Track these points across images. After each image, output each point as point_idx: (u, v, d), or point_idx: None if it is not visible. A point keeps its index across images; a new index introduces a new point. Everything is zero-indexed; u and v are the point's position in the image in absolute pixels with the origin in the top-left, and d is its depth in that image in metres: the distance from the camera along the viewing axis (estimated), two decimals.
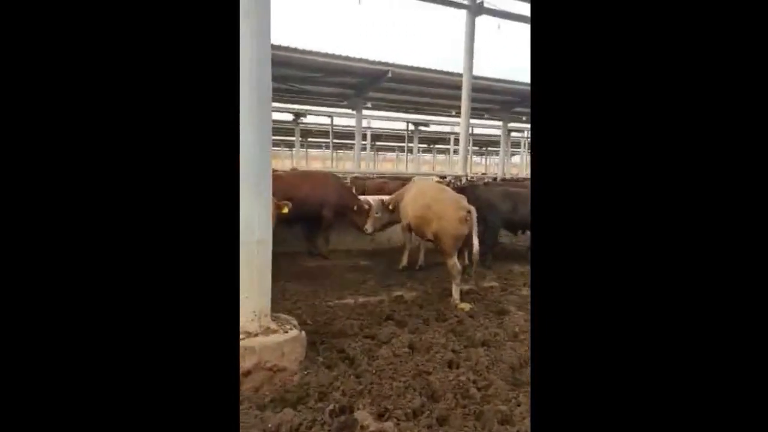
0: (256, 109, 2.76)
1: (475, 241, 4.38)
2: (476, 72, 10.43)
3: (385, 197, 6.17)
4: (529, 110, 17.43)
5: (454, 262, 4.43)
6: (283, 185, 5.25)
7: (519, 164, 31.47)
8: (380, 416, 2.44)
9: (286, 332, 2.95)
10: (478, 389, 2.78)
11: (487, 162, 39.34)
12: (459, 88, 10.07)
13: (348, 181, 8.49)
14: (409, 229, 5.45)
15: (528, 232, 6.75)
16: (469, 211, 4.39)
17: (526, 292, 5.05)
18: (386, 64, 11.67)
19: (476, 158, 38.58)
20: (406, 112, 18.78)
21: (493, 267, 6.15)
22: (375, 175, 11.61)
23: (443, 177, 9.99)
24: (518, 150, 30.51)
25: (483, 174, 22.57)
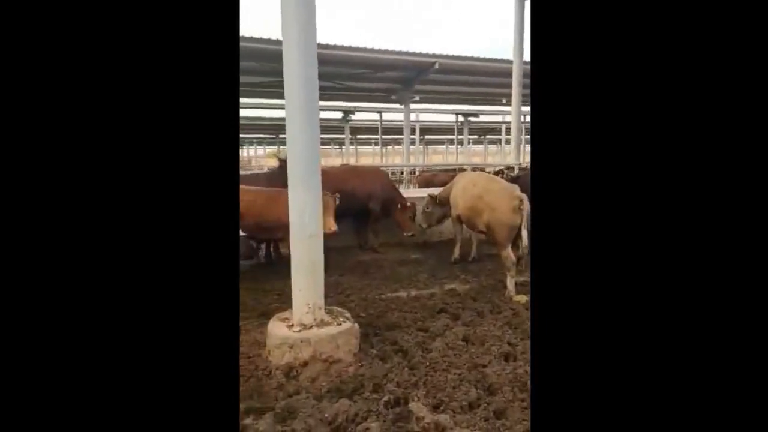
0: (305, 107, 2.81)
1: (524, 233, 4.23)
2: (527, 57, 10.07)
3: (435, 191, 6.12)
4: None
5: (508, 253, 4.31)
6: (331, 179, 5.33)
7: None
8: (435, 408, 2.42)
9: (340, 324, 3.00)
10: None
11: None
12: (509, 75, 9.76)
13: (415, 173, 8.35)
14: (459, 221, 5.37)
15: None
16: (521, 200, 4.25)
17: None
18: (433, 55, 11.51)
19: (528, 147, 37.23)
20: (456, 103, 18.47)
21: None
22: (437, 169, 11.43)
23: (497, 169, 9.75)
24: None
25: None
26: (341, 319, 3.08)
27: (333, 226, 4.43)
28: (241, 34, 7.83)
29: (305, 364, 2.76)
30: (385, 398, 2.45)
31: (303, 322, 2.92)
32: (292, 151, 2.86)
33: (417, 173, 12.46)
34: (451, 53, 11.79)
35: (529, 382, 2.66)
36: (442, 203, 5.77)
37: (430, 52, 11.55)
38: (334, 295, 4.26)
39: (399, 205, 6.21)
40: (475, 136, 29.73)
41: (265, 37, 9.26)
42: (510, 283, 4.34)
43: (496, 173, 6.73)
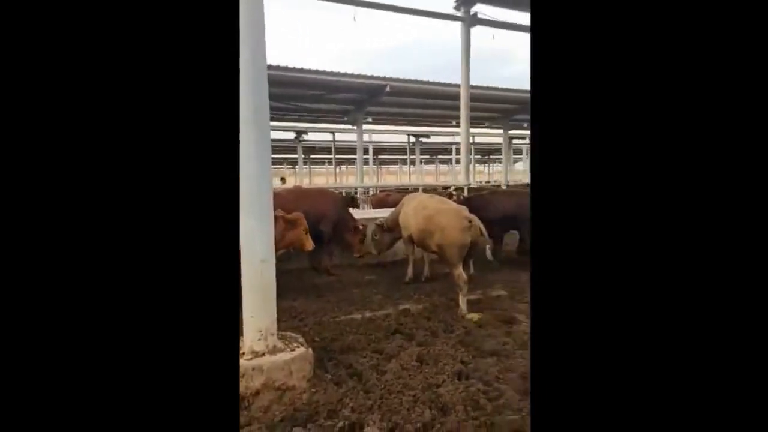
0: (255, 127, 2.79)
1: (488, 251, 4.38)
2: (474, 81, 10.50)
3: (381, 218, 6.18)
4: (528, 117, 17.31)
5: (459, 272, 4.42)
6: (282, 202, 5.28)
7: (523, 171, 31.41)
8: (390, 431, 2.42)
9: (293, 350, 2.94)
10: (489, 400, 2.75)
11: (491, 170, 39.32)
12: (457, 98, 10.12)
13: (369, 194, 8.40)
14: (411, 241, 5.45)
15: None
16: (471, 221, 4.40)
17: None
18: (384, 78, 11.77)
19: (479, 167, 38.59)
20: (407, 124, 18.88)
21: (501, 275, 6.12)
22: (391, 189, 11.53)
23: (446, 188, 10.00)
24: (521, 157, 30.50)
25: (487, 182, 22.55)
26: (294, 345, 3.03)
27: (310, 245, 4.46)
28: None
29: (257, 393, 2.68)
30: (340, 424, 2.42)
31: (255, 349, 2.84)
32: (242, 172, 2.82)
33: (371, 193, 12.55)
34: (401, 76, 12.06)
35: (482, 399, 2.72)
36: (390, 229, 5.84)
37: (382, 75, 11.80)
38: (288, 319, 4.18)
39: (350, 227, 6.23)
40: (427, 156, 30.44)
41: None
42: (462, 301, 4.44)
43: (449, 196, 6.92)
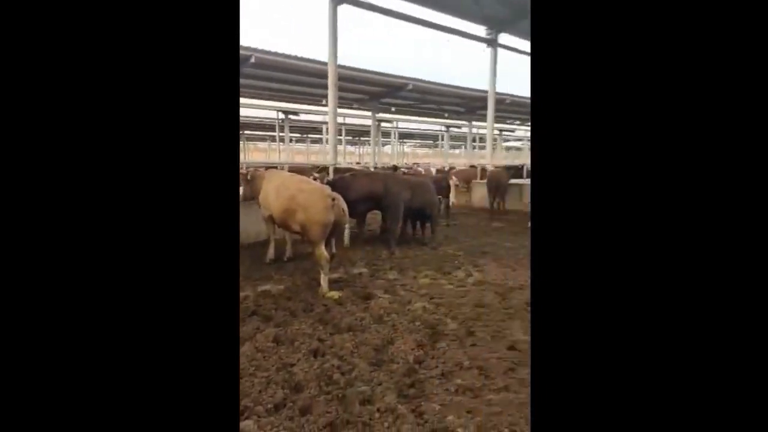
0: None
1: (346, 231, 4.44)
2: (343, 62, 10.50)
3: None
4: (396, 101, 17.87)
5: (321, 251, 4.43)
6: None
7: (391, 153, 32.68)
8: (240, 415, 2.34)
9: None
10: (342, 374, 2.83)
11: (361, 152, 40.15)
12: (326, 76, 10.03)
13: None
14: (272, 221, 5.31)
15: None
16: (334, 199, 4.42)
17: (393, 275, 5.28)
18: (249, 48, 11.10)
19: (350, 148, 39.13)
20: (275, 100, 18.17)
21: (363, 253, 6.32)
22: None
23: (315, 168, 9.93)
24: (389, 140, 31.66)
25: (358, 164, 22.98)
26: None
27: None
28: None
29: None
30: None
31: None
32: None
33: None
34: (268, 49, 11.51)
35: (336, 374, 2.79)
36: (249, 180, 5.66)
37: (247, 45, 11.11)
38: None
39: None
40: (298, 135, 29.81)
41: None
42: (323, 280, 4.48)
43: (310, 177, 6.88)
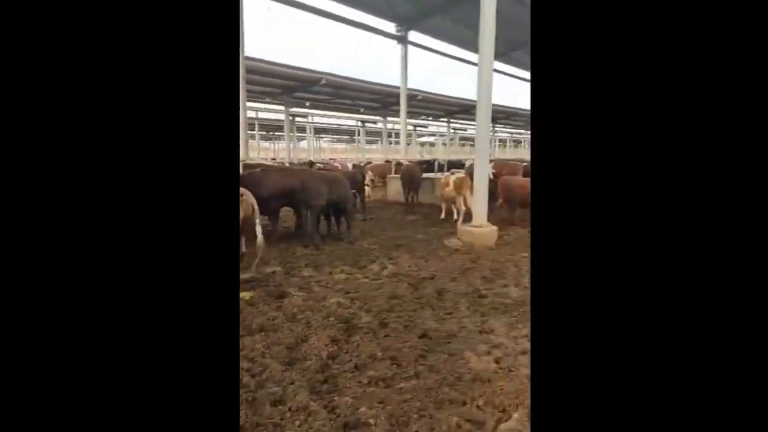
0: None
1: (258, 228, 4.29)
2: (250, 53, 10.12)
3: None
4: (310, 96, 17.61)
5: None
6: None
7: (307, 149, 32.19)
8: None
9: None
10: (252, 376, 2.74)
11: (276, 147, 39.13)
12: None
13: None
14: None
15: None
16: (242, 195, 4.26)
17: (308, 272, 5.22)
18: None
19: (265, 143, 37.95)
20: None
21: (277, 251, 6.17)
22: None
23: None
24: (305, 135, 31.16)
25: (273, 159, 22.35)
26: None
27: None
28: None
29: None
30: None
31: None
32: None
33: None
34: None
35: (246, 377, 2.69)
36: None
37: None
38: None
39: None
40: None
41: None
42: None
43: None
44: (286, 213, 8.11)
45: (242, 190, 4.40)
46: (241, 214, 4.29)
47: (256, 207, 4.43)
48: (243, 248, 4.55)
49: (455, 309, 4.04)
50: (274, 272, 5.19)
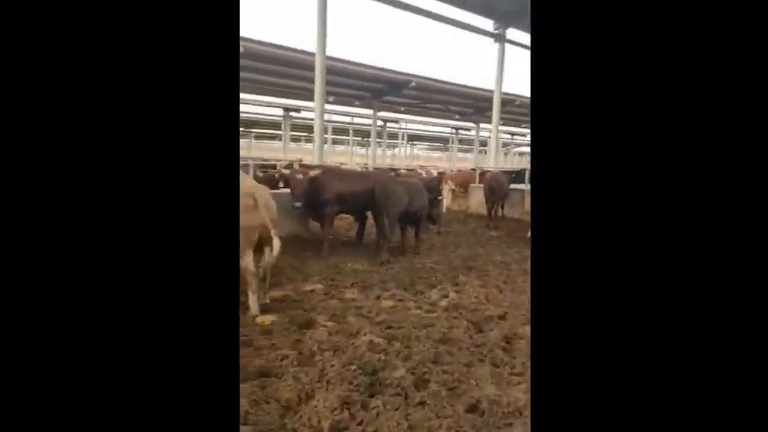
0: None
1: (275, 239, 3.55)
2: (342, 56, 9.70)
3: None
4: (398, 99, 17.05)
5: (246, 263, 3.52)
6: None
7: (399, 156, 31.79)
8: None
9: None
10: None
11: (370, 153, 39.42)
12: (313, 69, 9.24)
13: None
14: None
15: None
16: (255, 198, 3.51)
17: (351, 294, 4.40)
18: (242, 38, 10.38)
19: (360, 149, 38.45)
20: (271, 95, 17.41)
21: (323, 264, 5.45)
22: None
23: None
24: (396, 142, 30.80)
25: (365, 165, 22.13)
26: None
27: None
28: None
29: None
30: None
31: None
32: None
33: None
34: (255, 38, 10.77)
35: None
36: None
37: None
38: None
39: None
40: (305, 134, 29.15)
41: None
42: (252, 300, 3.60)
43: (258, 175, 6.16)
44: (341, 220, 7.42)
45: (260, 189, 3.67)
46: (258, 221, 3.51)
47: (274, 210, 3.67)
48: (267, 258, 3.76)
49: (527, 369, 2.92)
50: (312, 291, 4.45)
